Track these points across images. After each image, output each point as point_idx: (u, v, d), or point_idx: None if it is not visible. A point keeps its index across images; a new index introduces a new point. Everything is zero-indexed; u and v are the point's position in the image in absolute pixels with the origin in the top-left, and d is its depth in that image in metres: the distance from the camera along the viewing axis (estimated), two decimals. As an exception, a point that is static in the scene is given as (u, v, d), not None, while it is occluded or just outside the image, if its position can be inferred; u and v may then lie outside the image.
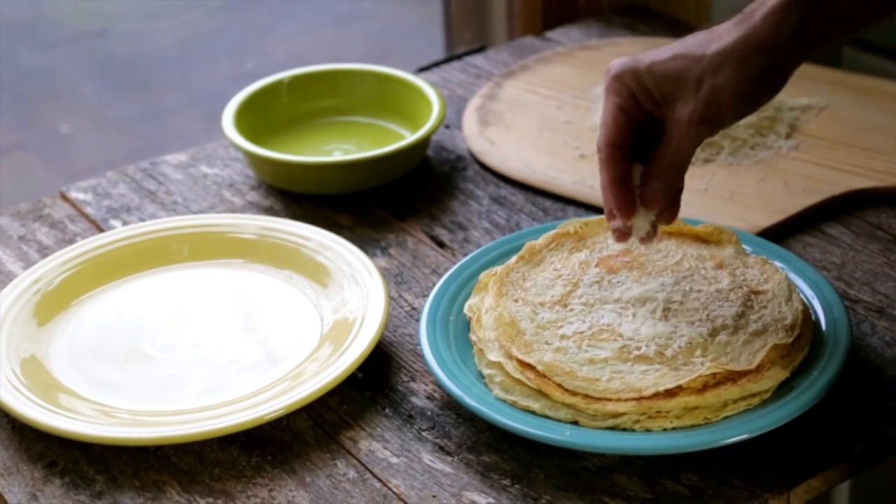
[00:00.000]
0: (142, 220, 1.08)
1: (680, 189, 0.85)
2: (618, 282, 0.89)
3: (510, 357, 0.84)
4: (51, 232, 1.07)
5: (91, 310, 0.96)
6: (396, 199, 1.09)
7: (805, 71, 1.23)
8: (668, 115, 0.81)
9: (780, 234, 1.01)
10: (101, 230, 1.07)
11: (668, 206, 0.85)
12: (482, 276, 0.91)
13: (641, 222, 0.85)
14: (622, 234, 0.85)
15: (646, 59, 0.81)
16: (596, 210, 1.05)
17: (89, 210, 1.10)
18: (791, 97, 1.18)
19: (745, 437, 0.79)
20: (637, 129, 0.83)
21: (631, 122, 0.82)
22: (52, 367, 0.90)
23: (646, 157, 0.84)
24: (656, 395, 0.80)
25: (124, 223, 1.07)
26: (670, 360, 0.82)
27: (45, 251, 1.04)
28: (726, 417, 0.80)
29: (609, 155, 0.83)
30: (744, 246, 0.92)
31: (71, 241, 1.05)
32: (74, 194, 1.12)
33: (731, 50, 0.78)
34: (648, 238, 0.86)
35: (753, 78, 0.78)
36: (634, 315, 0.86)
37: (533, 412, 0.82)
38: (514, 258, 0.92)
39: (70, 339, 0.93)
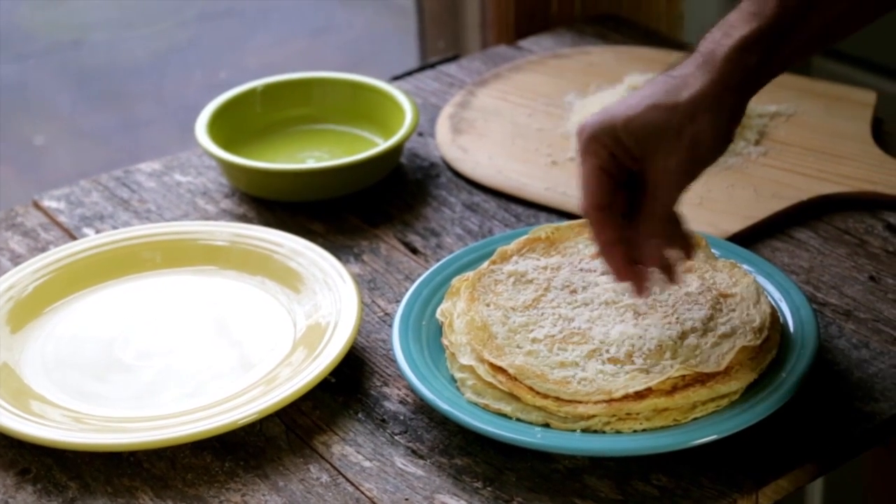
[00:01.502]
0: (115, 228, 1.08)
1: (679, 224, 0.83)
2: (588, 285, 0.90)
3: (482, 360, 0.84)
4: (23, 240, 1.07)
5: (64, 317, 0.96)
6: (370, 206, 1.10)
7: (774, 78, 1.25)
8: (650, 167, 0.79)
9: (750, 238, 1.02)
10: (73, 238, 1.07)
11: (680, 242, 0.83)
12: (454, 281, 0.92)
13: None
14: (640, 290, 0.84)
15: (619, 115, 0.79)
16: (567, 216, 1.06)
17: (62, 218, 1.10)
18: (760, 104, 1.19)
19: (714, 438, 0.79)
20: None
21: (613, 181, 0.80)
22: (24, 374, 0.90)
23: (625, 207, 0.82)
24: (626, 398, 0.81)
25: (97, 231, 1.07)
26: (640, 363, 0.83)
27: (17, 259, 1.04)
28: (695, 419, 0.81)
29: (598, 219, 0.81)
30: (713, 250, 0.93)
31: (44, 250, 1.05)
32: (47, 203, 1.12)
33: (704, 95, 0.78)
34: (668, 280, 0.85)
35: (729, 117, 0.79)
36: (605, 318, 0.87)
37: (505, 415, 0.82)
38: (485, 263, 0.93)
39: (42, 346, 0.93)
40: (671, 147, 0.78)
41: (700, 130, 0.78)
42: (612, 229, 0.81)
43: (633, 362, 0.83)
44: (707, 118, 0.78)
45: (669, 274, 0.84)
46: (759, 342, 0.84)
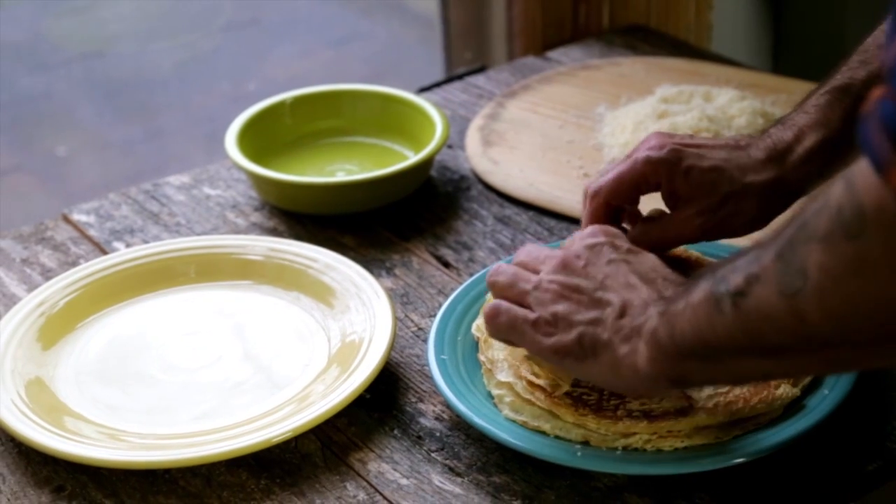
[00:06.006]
0: (145, 241, 1.07)
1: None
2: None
3: (520, 377, 0.83)
4: (54, 254, 1.07)
5: (96, 332, 0.96)
6: (400, 220, 1.09)
7: (802, 88, 1.24)
8: (681, 208, 0.85)
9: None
10: (104, 252, 1.06)
11: None
12: (489, 295, 0.91)
13: None
14: None
15: (687, 157, 0.84)
16: (601, 229, 1.05)
17: (92, 232, 1.09)
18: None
19: (756, 456, 0.78)
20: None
21: (639, 193, 0.87)
22: (57, 390, 0.90)
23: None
24: (667, 415, 0.80)
25: (127, 245, 1.07)
26: (680, 380, 0.82)
27: (48, 274, 1.04)
28: (737, 437, 0.80)
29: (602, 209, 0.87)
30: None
31: (74, 264, 1.05)
32: (77, 216, 1.12)
33: (760, 188, 0.84)
34: None
35: (771, 214, 0.85)
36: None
37: (543, 432, 0.82)
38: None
39: (75, 361, 0.93)
40: (709, 210, 0.85)
41: (741, 211, 0.84)
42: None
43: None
44: (752, 206, 0.84)
45: None
46: (800, 358, 0.83)
